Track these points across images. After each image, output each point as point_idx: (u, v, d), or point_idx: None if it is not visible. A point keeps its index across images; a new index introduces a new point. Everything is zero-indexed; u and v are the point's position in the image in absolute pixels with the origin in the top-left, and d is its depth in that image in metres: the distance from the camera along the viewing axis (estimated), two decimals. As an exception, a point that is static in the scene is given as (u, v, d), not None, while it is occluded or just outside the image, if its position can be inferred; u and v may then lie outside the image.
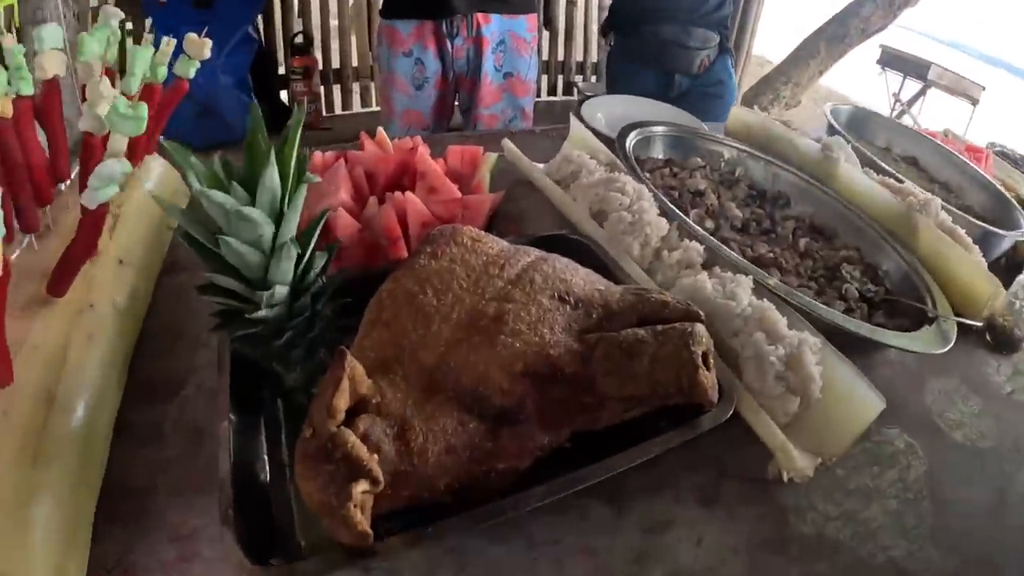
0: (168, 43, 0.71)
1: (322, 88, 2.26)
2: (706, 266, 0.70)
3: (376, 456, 0.40)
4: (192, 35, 0.73)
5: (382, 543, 0.40)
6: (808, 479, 0.57)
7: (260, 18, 2.11)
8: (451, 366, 0.46)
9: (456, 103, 1.53)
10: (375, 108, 2.26)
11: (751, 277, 0.66)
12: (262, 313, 0.46)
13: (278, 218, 0.45)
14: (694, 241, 0.71)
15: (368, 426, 0.40)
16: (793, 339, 0.59)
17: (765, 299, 0.64)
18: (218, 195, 0.41)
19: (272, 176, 0.43)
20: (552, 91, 2.59)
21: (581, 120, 1.03)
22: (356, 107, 2.38)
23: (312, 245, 0.49)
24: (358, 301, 0.53)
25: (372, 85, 2.34)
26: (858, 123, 1.38)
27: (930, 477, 0.62)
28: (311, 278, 0.50)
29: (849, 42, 3.49)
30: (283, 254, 0.45)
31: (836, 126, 1.29)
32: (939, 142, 1.34)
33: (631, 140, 0.98)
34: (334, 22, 2.24)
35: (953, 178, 1.25)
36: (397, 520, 0.43)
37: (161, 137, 0.78)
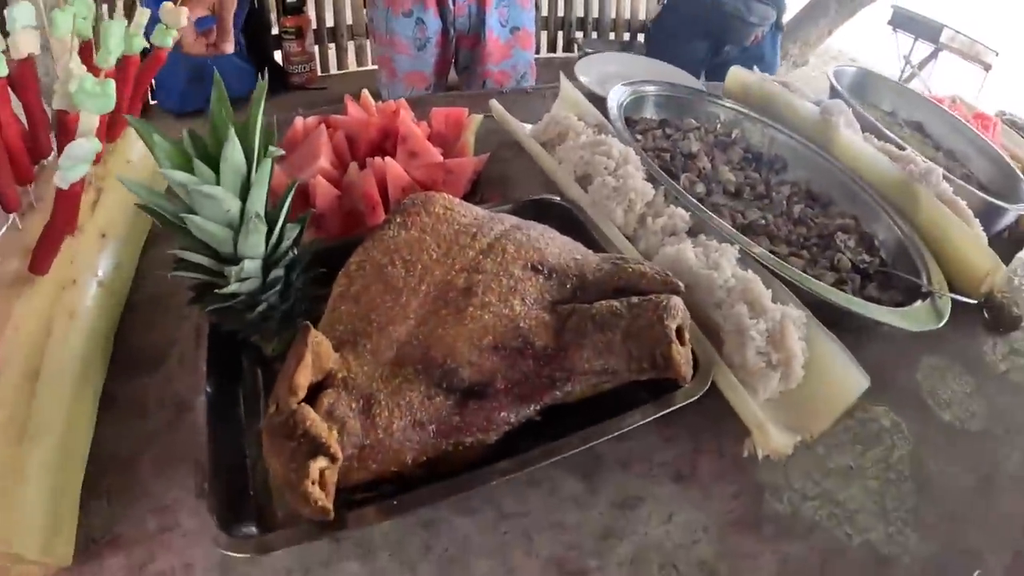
0: (141, 14, 0.69)
1: (316, 48, 2.20)
2: (692, 233, 0.69)
3: (337, 432, 0.39)
4: (168, 3, 0.72)
5: (352, 513, 0.41)
6: (787, 457, 0.56)
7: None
8: (420, 340, 0.45)
9: (454, 61, 1.48)
10: (371, 67, 2.21)
11: (737, 246, 0.64)
12: (233, 287, 0.46)
13: (244, 192, 0.44)
14: (679, 207, 0.69)
15: (333, 401, 0.40)
16: (776, 313, 0.58)
17: (750, 270, 0.62)
18: (178, 175, 0.40)
19: (234, 151, 0.42)
20: (552, 47, 2.52)
21: (572, 80, 1.00)
22: (352, 66, 2.32)
23: (283, 217, 0.48)
24: (333, 270, 0.52)
25: (367, 43, 2.28)
26: (863, 85, 1.33)
27: (914, 458, 0.60)
28: (283, 250, 0.49)
29: (860, 1, 3.38)
30: (250, 228, 0.44)
31: (839, 88, 1.26)
32: (946, 108, 1.29)
33: (623, 100, 0.95)
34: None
35: (958, 146, 1.21)
36: (375, 491, 0.44)
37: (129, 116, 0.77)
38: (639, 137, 0.94)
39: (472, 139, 0.79)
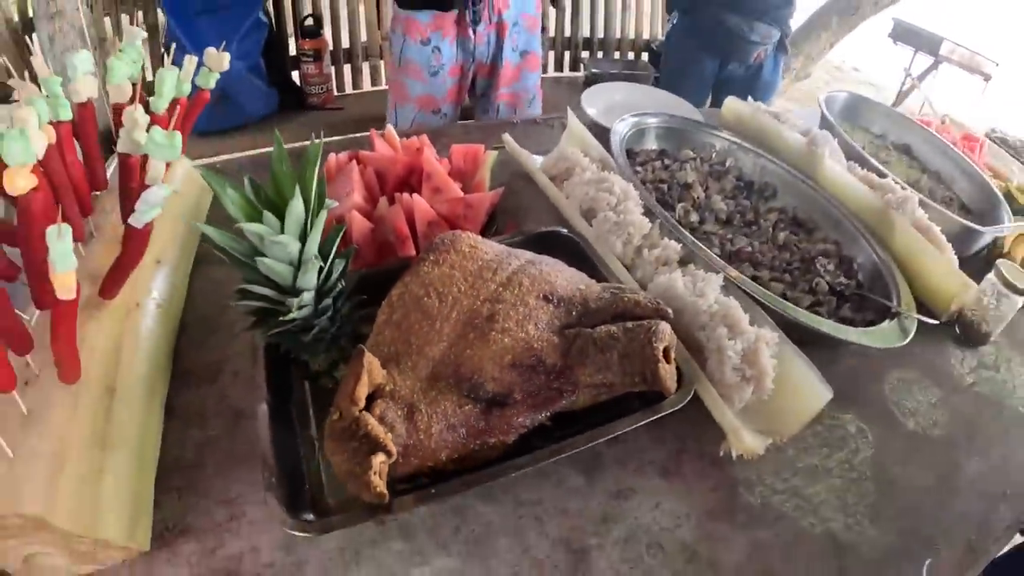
0: (190, 61, 0.77)
1: (332, 69, 2.29)
2: (684, 262, 0.78)
3: (390, 433, 0.49)
4: (211, 50, 0.80)
5: (396, 500, 0.50)
6: (759, 457, 0.64)
7: (270, 2, 2.14)
8: (451, 359, 0.55)
9: (471, 88, 1.53)
10: (385, 87, 2.30)
11: (721, 275, 0.74)
12: (293, 315, 0.55)
13: (303, 236, 0.53)
14: (672, 240, 0.79)
15: (384, 409, 0.50)
16: (751, 335, 0.67)
17: (732, 296, 0.71)
18: (255, 227, 0.49)
19: (297, 204, 0.51)
20: (559, 67, 2.61)
21: (578, 110, 1.10)
22: (366, 86, 2.41)
23: (332, 254, 0.57)
24: (372, 296, 0.62)
25: (381, 63, 2.37)
26: (854, 109, 1.41)
27: (876, 460, 0.68)
28: (332, 282, 0.59)
29: (861, 14, 3.43)
30: (309, 267, 0.53)
31: (828, 116, 1.33)
32: (932, 131, 1.36)
33: (625, 133, 1.03)
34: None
35: (944, 168, 1.29)
36: (413, 483, 0.53)
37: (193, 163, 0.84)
38: (639, 169, 1.03)
39: (488, 175, 0.89)
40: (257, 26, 2.04)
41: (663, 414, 0.58)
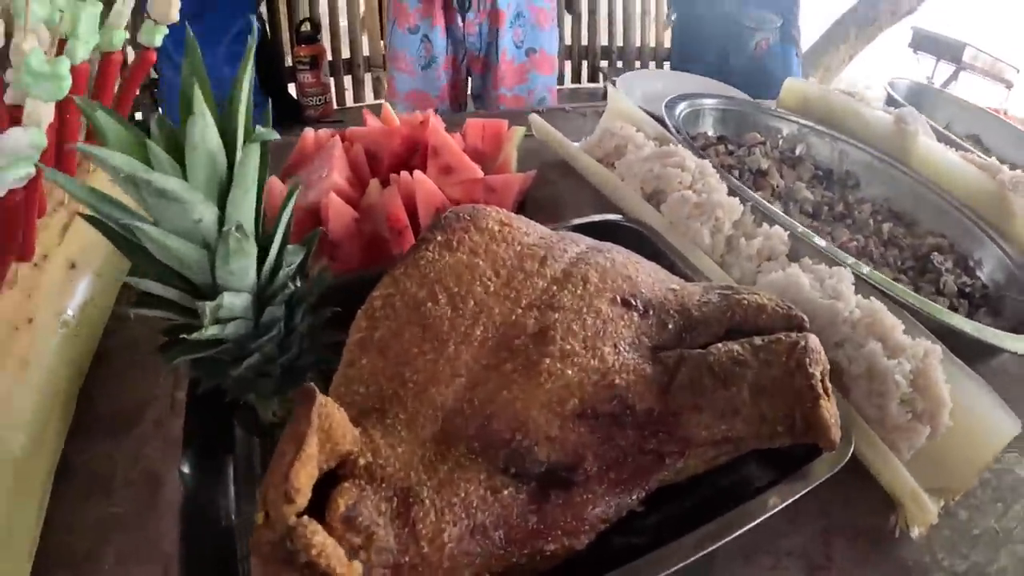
0: (123, 3, 0.58)
1: (331, 79, 2.13)
2: (792, 257, 0.57)
3: (363, 550, 0.27)
4: None
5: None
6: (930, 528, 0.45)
7: (264, 4, 1.99)
8: (475, 406, 0.32)
9: (468, 88, 1.41)
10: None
11: (850, 269, 0.52)
12: (211, 331, 0.33)
13: (223, 196, 0.32)
14: (776, 226, 0.57)
15: (354, 501, 0.27)
16: (917, 349, 0.46)
17: (872, 297, 0.50)
18: (117, 158, 0.27)
19: (206, 132, 0.30)
20: (576, 77, 2.45)
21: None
22: (369, 99, 2.25)
23: (281, 235, 0.35)
24: (351, 311, 0.40)
25: (384, 75, 2.22)
26: (916, 98, 1.25)
27: None
28: (280, 281, 0.37)
29: (880, 24, 3.34)
30: (231, 247, 0.31)
31: (898, 98, 1.19)
32: (1003, 118, 1.22)
33: (680, 112, 0.85)
34: (343, 4, 2.11)
35: (1022, 159, 1.10)
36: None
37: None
38: (701, 153, 0.83)
39: (514, 153, 0.68)
40: (249, 29, 1.88)
41: (822, 480, 0.36)
